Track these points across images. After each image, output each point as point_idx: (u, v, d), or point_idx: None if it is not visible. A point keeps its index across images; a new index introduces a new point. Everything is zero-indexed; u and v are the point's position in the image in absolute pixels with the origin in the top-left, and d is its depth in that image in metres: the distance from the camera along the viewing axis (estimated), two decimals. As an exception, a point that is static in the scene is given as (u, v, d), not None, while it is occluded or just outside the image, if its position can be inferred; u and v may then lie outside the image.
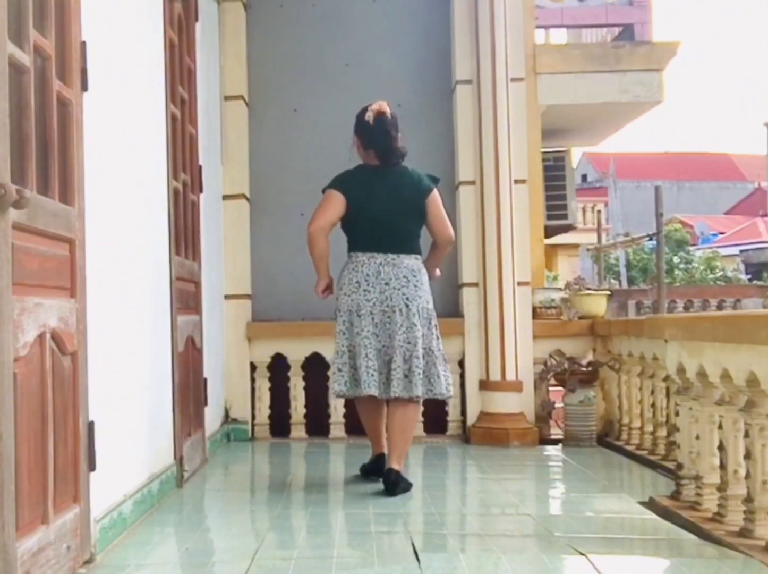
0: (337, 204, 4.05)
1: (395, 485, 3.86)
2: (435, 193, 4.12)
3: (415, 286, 4.01)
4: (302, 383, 5.70)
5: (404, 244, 4.06)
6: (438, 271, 4.38)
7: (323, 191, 4.15)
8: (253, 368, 5.77)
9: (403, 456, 3.97)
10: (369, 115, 4.09)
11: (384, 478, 3.92)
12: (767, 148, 31.56)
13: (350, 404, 5.64)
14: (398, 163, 4.11)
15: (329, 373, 4.42)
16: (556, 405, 5.75)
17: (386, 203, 4.04)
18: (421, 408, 4.40)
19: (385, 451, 4.11)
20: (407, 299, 3.97)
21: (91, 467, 2.82)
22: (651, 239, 9.30)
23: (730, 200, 46.53)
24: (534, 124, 6.02)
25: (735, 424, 3.13)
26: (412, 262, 4.05)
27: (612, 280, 15.69)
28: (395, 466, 3.90)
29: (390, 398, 3.97)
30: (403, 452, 3.96)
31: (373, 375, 3.93)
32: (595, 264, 10.75)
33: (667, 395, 4.48)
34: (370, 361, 3.94)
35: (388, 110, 4.10)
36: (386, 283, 3.98)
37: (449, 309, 5.81)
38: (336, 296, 4.14)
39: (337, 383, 4.01)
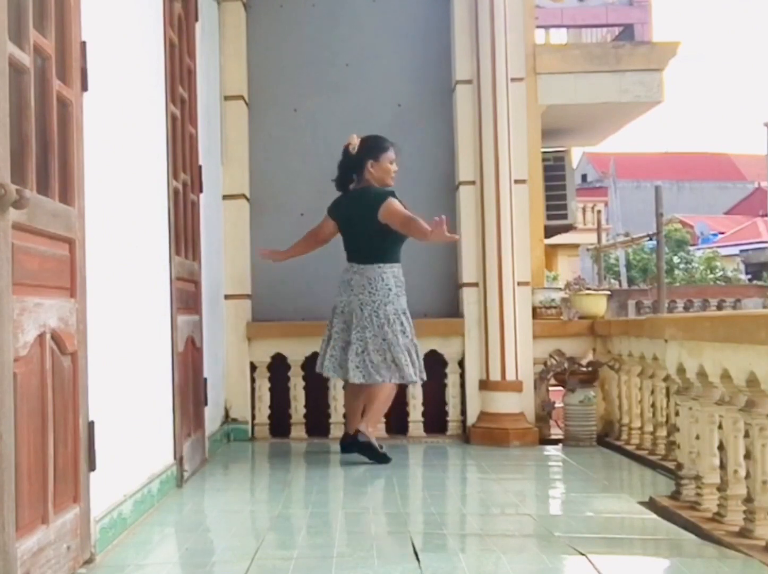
0: (323, 224, 5.09)
1: (359, 443, 4.71)
2: (386, 203, 4.76)
3: (370, 292, 4.78)
4: (302, 383, 5.70)
5: (367, 255, 4.83)
6: (455, 236, 4.80)
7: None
8: (253, 368, 5.77)
9: (371, 421, 4.80)
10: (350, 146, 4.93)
11: (348, 440, 4.86)
12: (767, 148, 31.57)
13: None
14: (347, 188, 4.95)
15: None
16: (556, 405, 5.74)
17: (349, 222, 4.91)
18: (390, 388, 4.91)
19: (351, 431, 4.90)
20: (361, 303, 4.79)
21: (91, 467, 2.82)
22: (651, 239, 9.30)
23: (730, 200, 46.55)
24: (534, 124, 6.02)
25: (735, 424, 3.13)
26: (373, 271, 4.80)
27: (612, 281, 15.71)
28: (361, 427, 4.75)
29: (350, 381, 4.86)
30: (371, 418, 4.80)
31: (332, 361, 4.86)
32: (595, 264, 10.75)
33: (667, 395, 4.48)
34: (334, 350, 4.85)
35: (351, 144, 4.91)
36: (351, 289, 4.83)
37: (449, 309, 5.81)
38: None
39: (318, 364, 4.99)
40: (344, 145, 4.95)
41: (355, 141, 4.91)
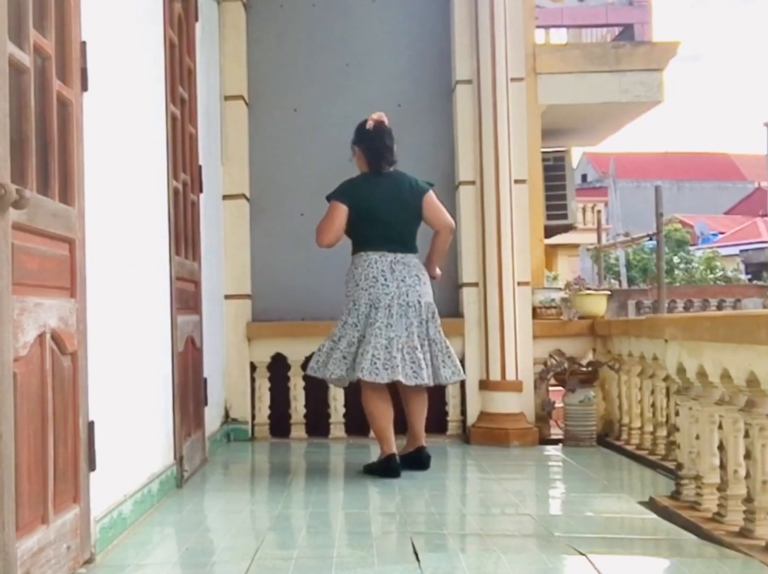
0: (341, 215, 4.42)
1: (428, 458, 4.45)
2: (431, 193, 4.50)
3: (425, 283, 4.43)
4: (302, 383, 5.70)
5: (408, 243, 4.44)
6: (438, 271, 4.65)
7: (328, 199, 4.50)
8: (253, 368, 5.77)
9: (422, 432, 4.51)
10: (369, 124, 4.52)
11: (416, 457, 4.46)
12: (767, 148, 31.57)
13: (350, 404, 5.66)
14: (386, 168, 4.48)
15: (316, 354, 4.53)
16: (556, 405, 5.74)
17: (389, 206, 4.40)
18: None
19: (395, 451, 4.37)
20: (419, 295, 4.38)
21: (91, 467, 2.82)
22: (651, 239, 9.30)
23: (730, 200, 46.54)
24: (534, 124, 6.02)
25: (735, 424, 3.13)
26: (416, 261, 4.45)
27: (612, 281, 15.70)
28: (423, 443, 4.48)
29: (404, 390, 4.43)
30: (423, 429, 4.50)
31: (375, 363, 4.25)
32: (595, 264, 10.75)
33: (667, 395, 4.48)
34: (377, 350, 4.25)
35: (386, 120, 4.54)
36: (402, 280, 4.36)
37: (449, 309, 5.80)
38: (347, 293, 4.48)
39: (339, 369, 4.37)
40: (381, 120, 4.53)
41: (383, 117, 4.57)
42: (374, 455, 5.15)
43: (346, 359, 4.34)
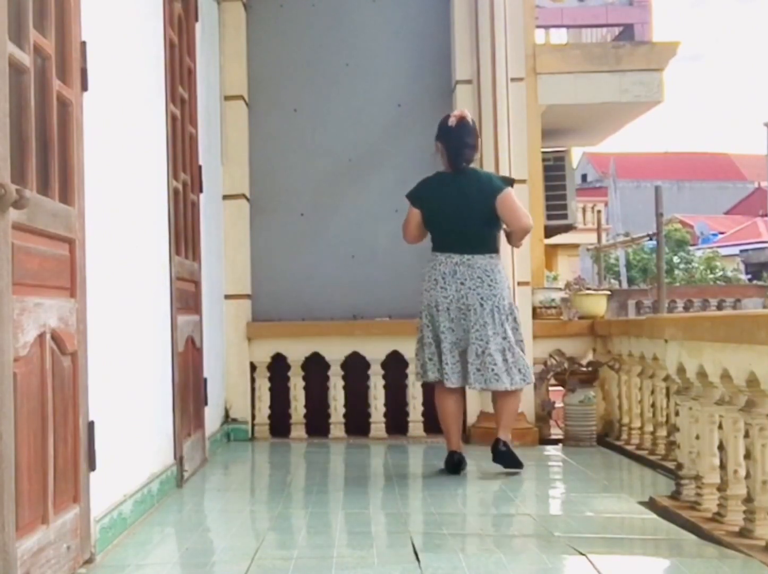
0: (414, 218, 4.49)
1: (503, 453, 4.31)
2: (505, 192, 4.40)
3: (489, 285, 4.34)
4: (302, 383, 5.70)
5: (477, 244, 4.37)
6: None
7: (407, 197, 4.55)
8: (253, 368, 5.77)
9: (508, 428, 4.42)
10: (452, 120, 4.47)
11: (492, 448, 4.35)
12: (767, 148, 31.58)
13: (350, 405, 5.67)
14: (463, 167, 4.43)
15: (416, 361, 4.57)
16: (556, 405, 5.74)
17: (456, 207, 4.37)
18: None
19: (458, 449, 4.42)
20: (482, 298, 4.32)
21: (91, 467, 2.82)
22: (651, 239, 9.29)
23: (730, 200, 46.55)
24: (534, 124, 6.02)
25: (735, 424, 3.13)
26: (486, 261, 4.36)
27: (612, 281, 15.69)
28: (501, 436, 4.35)
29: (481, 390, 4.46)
30: (507, 425, 4.41)
31: (454, 369, 4.34)
32: (595, 264, 10.75)
33: (667, 395, 4.48)
34: (451, 354, 4.33)
35: (468, 116, 4.49)
36: (461, 283, 4.33)
37: (449, 309, 5.80)
38: (421, 291, 4.49)
39: (431, 372, 4.40)
40: (463, 116, 4.47)
41: (466, 113, 4.53)
42: (374, 454, 5.17)
43: (432, 361, 4.40)
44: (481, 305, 4.31)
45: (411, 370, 5.64)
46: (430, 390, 5.59)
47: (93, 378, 2.84)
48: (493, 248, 4.43)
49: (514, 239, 4.56)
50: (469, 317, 4.31)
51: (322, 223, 5.92)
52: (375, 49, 6.02)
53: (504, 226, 4.50)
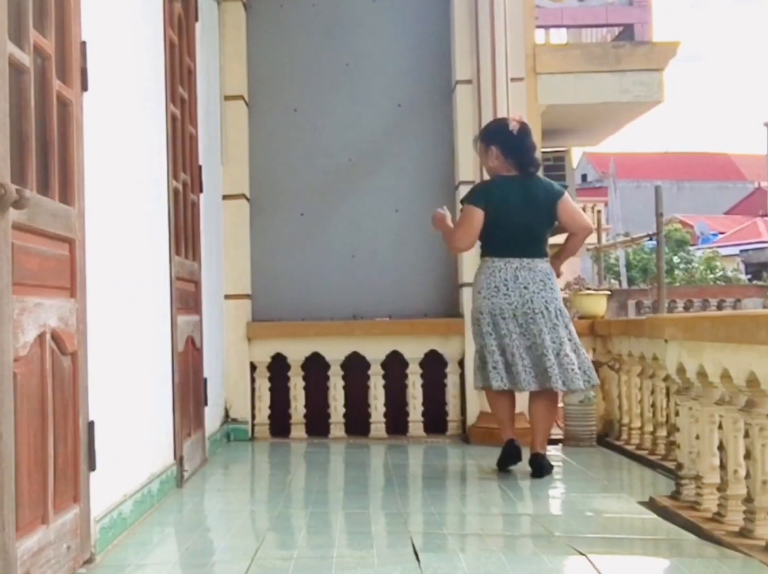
0: (478, 220, 4.38)
1: (541, 467, 4.30)
2: (566, 197, 4.49)
3: (551, 288, 4.40)
4: (302, 383, 5.70)
5: (537, 248, 4.42)
6: (562, 269, 4.73)
7: (462, 203, 4.55)
8: (253, 368, 5.77)
9: (545, 441, 4.46)
10: (513, 126, 4.46)
11: (531, 463, 4.34)
12: (767, 148, 31.59)
13: (350, 405, 5.66)
14: (534, 173, 4.49)
15: (475, 369, 4.55)
16: (556, 405, 5.73)
17: (523, 211, 4.36)
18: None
19: (514, 437, 4.45)
20: (546, 301, 4.34)
21: (91, 467, 2.82)
22: (651, 239, 9.30)
23: (730, 200, 46.58)
24: (534, 124, 6.00)
25: (735, 424, 3.13)
26: (544, 265, 4.43)
27: (612, 281, 15.70)
28: (540, 450, 4.35)
29: (532, 391, 4.39)
30: (545, 437, 4.46)
31: (530, 373, 4.31)
32: (595, 264, 10.74)
33: (667, 395, 4.48)
34: (525, 360, 4.32)
35: (526, 121, 4.54)
36: (525, 287, 4.34)
37: (449, 309, 5.81)
38: (473, 298, 4.48)
39: (495, 380, 4.36)
40: (524, 122, 4.52)
41: (525, 119, 4.60)
42: (374, 454, 5.17)
43: (497, 369, 4.36)
44: (546, 307, 4.33)
45: (411, 370, 5.65)
46: (430, 390, 5.62)
47: (93, 378, 2.84)
48: (547, 252, 4.49)
49: (575, 243, 4.60)
50: (537, 320, 4.31)
51: (322, 223, 5.92)
52: (375, 49, 6.01)
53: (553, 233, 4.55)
